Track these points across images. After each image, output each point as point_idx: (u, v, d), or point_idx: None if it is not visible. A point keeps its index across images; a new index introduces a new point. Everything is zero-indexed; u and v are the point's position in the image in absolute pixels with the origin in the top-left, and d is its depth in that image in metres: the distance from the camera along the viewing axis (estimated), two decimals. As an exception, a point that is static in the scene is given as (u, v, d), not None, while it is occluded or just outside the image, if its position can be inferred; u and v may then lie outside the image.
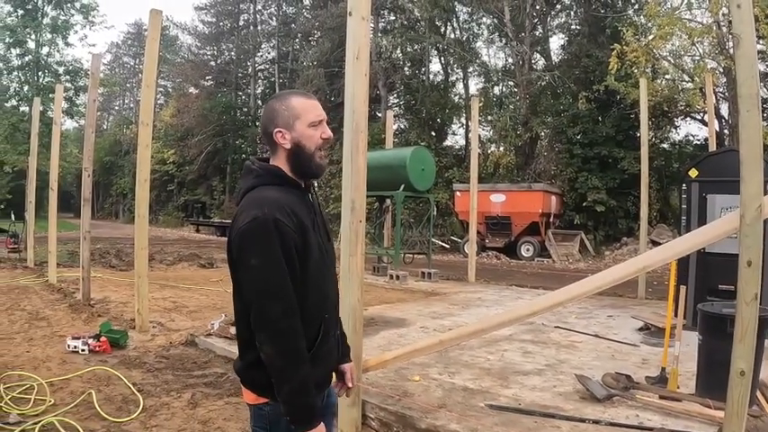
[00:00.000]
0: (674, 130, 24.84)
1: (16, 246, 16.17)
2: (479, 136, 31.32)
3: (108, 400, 4.73)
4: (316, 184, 2.11)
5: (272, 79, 46.00)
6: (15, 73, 30.58)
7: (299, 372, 1.75)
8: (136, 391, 4.89)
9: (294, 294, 1.78)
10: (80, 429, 4.05)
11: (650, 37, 19.02)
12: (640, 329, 7.26)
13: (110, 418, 4.30)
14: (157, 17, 7.49)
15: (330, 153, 31.05)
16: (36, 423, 4.09)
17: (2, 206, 33.36)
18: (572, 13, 29.33)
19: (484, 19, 31.86)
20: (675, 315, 5.41)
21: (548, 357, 5.88)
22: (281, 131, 1.91)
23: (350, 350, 2.28)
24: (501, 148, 29.18)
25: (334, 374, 2.17)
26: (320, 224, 2.00)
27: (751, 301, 2.76)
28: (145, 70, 7.61)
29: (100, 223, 45.33)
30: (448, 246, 24.77)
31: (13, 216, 18.61)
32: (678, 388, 4.50)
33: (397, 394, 4.46)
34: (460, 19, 33.10)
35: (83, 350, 6.15)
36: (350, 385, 2.18)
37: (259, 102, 48.35)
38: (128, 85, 65.29)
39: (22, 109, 29.87)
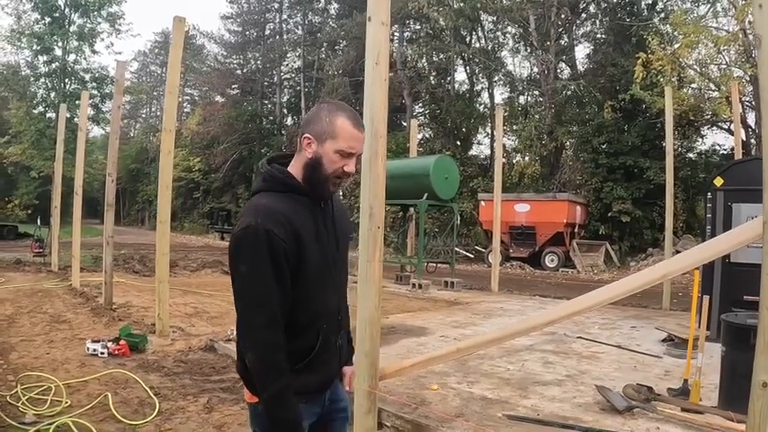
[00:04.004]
0: (700, 140, 24.55)
1: (41, 250, 16.45)
2: (504, 145, 31.27)
3: (124, 402, 4.75)
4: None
5: (298, 88, 46.29)
6: (42, 80, 31.10)
7: (276, 383, 1.78)
8: (152, 395, 4.91)
9: (280, 306, 1.79)
10: (94, 431, 4.08)
11: (676, 45, 18.79)
12: (664, 341, 7.11)
13: (125, 421, 4.33)
14: (181, 25, 7.57)
15: (357, 161, 31.06)
16: (51, 423, 4.12)
17: (29, 211, 33.90)
18: (597, 21, 29.12)
19: (509, 28, 31.77)
20: (700, 326, 5.28)
21: (568, 368, 5.78)
22: (309, 139, 1.88)
23: (353, 353, 2.28)
24: (526, 158, 28.99)
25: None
26: (331, 231, 1.98)
27: (774, 310, 2.67)
28: (168, 77, 7.70)
29: (126, 230, 45.92)
30: (472, 255, 24.64)
31: (38, 221, 18.96)
32: (701, 400, 4.38)
33: (415, 403, 4.41)
34: (486, 28, 33.04)
35: (102, 353, 6.21)
36: (347, 389, 2.19)
37: (284, 110, 48.66)
38: (155, 93, 66.15)
39: (48, 115, 30.37)
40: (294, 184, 1.89)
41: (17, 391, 4.76)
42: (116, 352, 6.27)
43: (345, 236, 2.10)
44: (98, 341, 6.37)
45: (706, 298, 4.62)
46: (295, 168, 1.92)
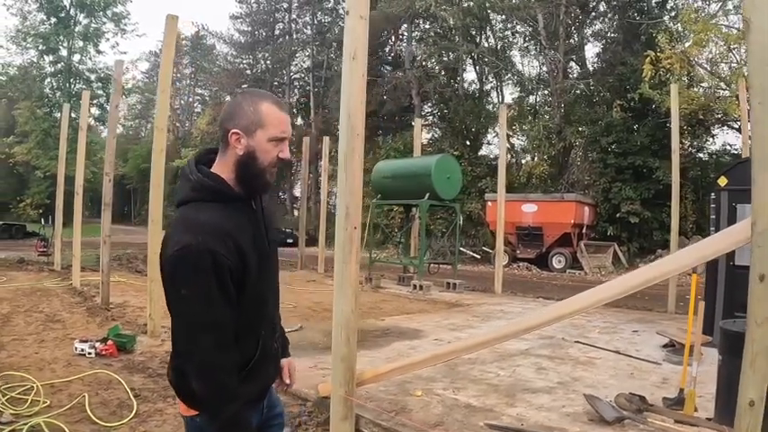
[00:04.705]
0: (710, 140, 24.20)
1: (46, 249, 16.46)
2: (513, 145, 31.04)
3: (103, 404, 4.67)
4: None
5: (308, 88, 46.27)
6: (48, 80, 31.23)
7: (227, 409, 1.65)
8: (132, 396, 4.82)
9: (228, 327, 1.67)
10: None
11: (687, 44, 18.49)
12: (665, 346, 6.90)
13: (100, 423, 4.25)
14: (173, 23, 7.49)
15: (364, 161, 31.03)
16: (25, 424, 4.03)
17: (41, 210, 34.11)
18: (607, 20, 28.85)
19: (518, 27, 31.55)
20: (703, 332, 5.08)
21: (561, 374, 5.59)
22: (237, 134, 1.73)
23: (288, 344, 2.18)
24: (535, 158, 28.76)
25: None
26: (264, 233, 1.86)
27: (763, 322, 2.49)
28: (161, 76, 7.62)
29: (135, 229, 45.96)
30: (479, 256, 24.45)
31: (44, 221, 18.99)
32: (696, 411, 4.20)
33: (395, 409, 4.26)
34: (495, 27, 32.81)
35: (89, 353, 6.13)
36: (287, 381, 2.09)
37: (294, 111, 48.62)
38: (166, 93, 66.37)
39: (54, 115, 30.46)
40: (228, 191, 1.75)
41: (-3, 391, 4.70)
42: (103, 352, 6.19)
43: (275, 234, 2.00)
44: (86, 341, 6.30)
45: (701, 303, 4.42)
46: (223, 168, 1.78)
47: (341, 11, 44.54)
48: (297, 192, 43.41)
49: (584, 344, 7.14)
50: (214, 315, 1.62)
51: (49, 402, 4.58)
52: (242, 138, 1.73)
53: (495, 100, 34.00)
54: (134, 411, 4.48)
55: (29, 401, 4.56)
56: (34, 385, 4.91)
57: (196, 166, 1.79)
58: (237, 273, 1.67)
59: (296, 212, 38.89)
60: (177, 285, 1.63)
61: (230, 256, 1.64)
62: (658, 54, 17.82)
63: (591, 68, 28.87)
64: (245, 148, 1.74)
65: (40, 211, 34.44)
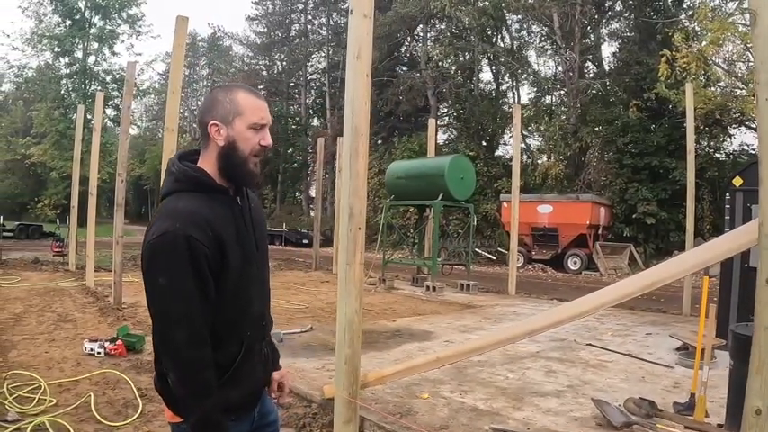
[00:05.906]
0: (728, 140, 23.86)
1: (61, 249, 16.60)
2: (530, 146, 30.85)
3: (109, 403, 4.68)
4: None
5: (324, 89, 46.39)
6: (64, 81, 31.48)
7: (202, 404, 1.62)
8: (138, 396, 4.83)
9: (204, 320, 1.63)
10: (72, 431, 4.00)
11: (703, 43, 18.23)
12: (678, 349, 6.79)
13: (104, 422, 4.26)
14: (184, 24, 7.49)
15: (380, 162, 31.00)
16: (29, 422, 4.05)
17: (58, 211, 34.45)
18: (622, 18, 28.59)
19: (534, 27, 31.36)
20: (718, 335, 4.98)
21: (571, 378, 5.51)
22: (216, 125, 1.73)
23: (278, 357, 2.09)
24: (551, 159, 28.56)
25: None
26: (250, 231, 1.82)
27: (770, 326, 2.42)
28: (171, 77, 7.63)
29: (154, 230, 46.47)
30: (495, 257, 24.32)
31: (59, 221, 19.15)
32: (708, 417, 4.10)
33: (400, 412, 4.22)
34: (511, 27, 32.64)
35: (98, 353, 6.17)
36: (272, 396, 2.01)
37: (310, 111, 48.81)
38: (182, 94, 66.69)
39: (70, 116, 30.66)
40: (210, 182, 1.73)
41: (4, 389, 4.72)
42: (112, 352, 6.22)
43: (263, 234, 1.94)
44: (95, 341, 6.34)
45: (713, 305, 4.33)
46: (207, 163, 1.76)
47: (356, 11, 44.59)
48: (312, 192, 43.49)
49: (596, 346, 7.04)
50: (189, 307, 1.60)
51: (55, 401, 4.61)
52: (221, 128, 1.73)
53: (512, 100, 33.80)
54: (139, 411, 4.49)
55: (35, 400, 4.58)
56: (42, 384, 4.93)
57: (179, 160, 1.79)
58: (216, 264, 1.65)
59: (312, 213, 38.97)
60: (154, 273, 1.61)
61: (208, 244, 1.62)
62: (674, 53, 17.58)
63: (607, 68, 28.64)
64: (225, 138, 1.73)
65: (58, 211, 34.74)
